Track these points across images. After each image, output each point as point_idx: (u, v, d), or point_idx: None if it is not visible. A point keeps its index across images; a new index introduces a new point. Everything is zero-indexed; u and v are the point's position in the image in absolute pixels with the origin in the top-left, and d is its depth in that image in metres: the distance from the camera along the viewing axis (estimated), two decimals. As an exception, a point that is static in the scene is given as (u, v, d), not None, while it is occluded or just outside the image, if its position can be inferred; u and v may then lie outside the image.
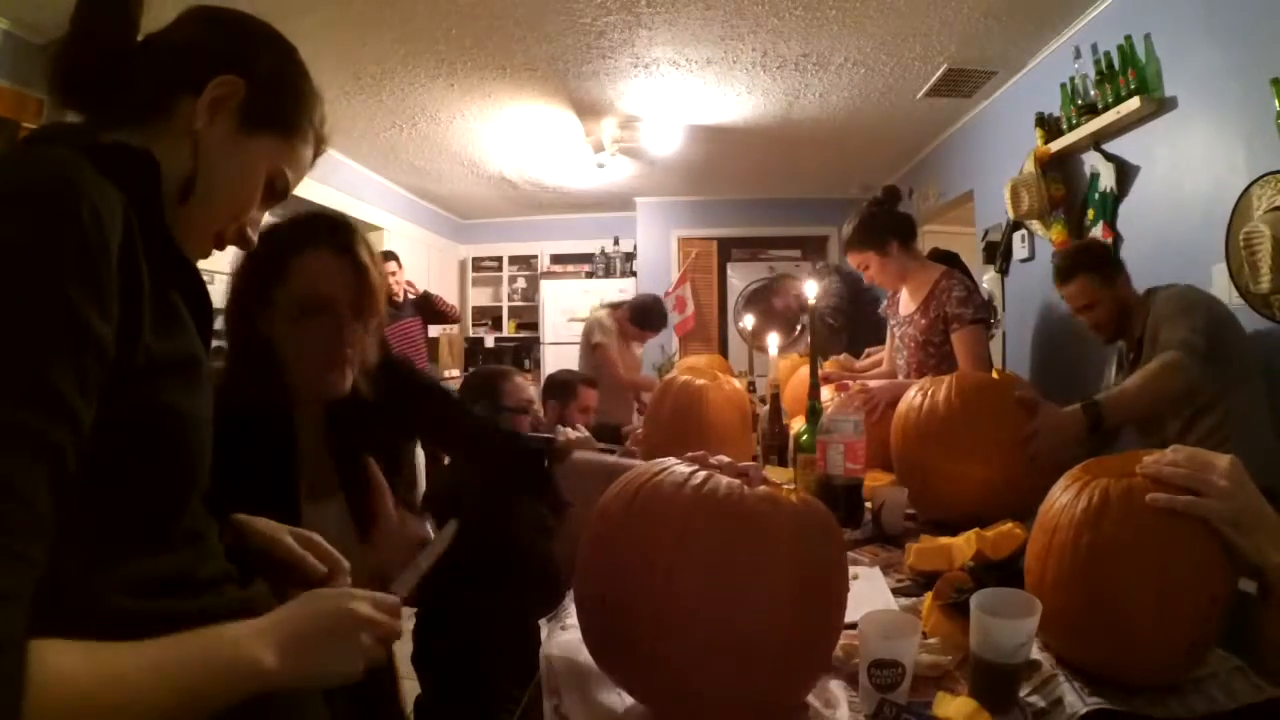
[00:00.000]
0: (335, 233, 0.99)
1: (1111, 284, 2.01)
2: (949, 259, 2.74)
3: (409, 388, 1.10)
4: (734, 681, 0.66)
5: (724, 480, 0.72)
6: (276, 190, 0.71)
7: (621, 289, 6.34)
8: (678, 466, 0.76)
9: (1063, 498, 0.83)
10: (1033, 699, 0.75)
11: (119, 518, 0.54)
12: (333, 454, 1.02)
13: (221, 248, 0.70)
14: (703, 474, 0.73)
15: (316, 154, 0.76)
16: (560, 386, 2.56)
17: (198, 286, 0.64)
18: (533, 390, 1.91)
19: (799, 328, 4.38)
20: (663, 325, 3.73)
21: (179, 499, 0.60)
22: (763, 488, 0.75)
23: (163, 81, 0.64)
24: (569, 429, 1.68)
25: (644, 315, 3.59)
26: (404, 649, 1.33)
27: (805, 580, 0.68)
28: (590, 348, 3.47)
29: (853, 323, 3.49)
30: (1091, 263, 2.03)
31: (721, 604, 0.65)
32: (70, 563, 0.48)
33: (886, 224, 2.13)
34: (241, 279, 0.98)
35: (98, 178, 0.52)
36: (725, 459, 0.89)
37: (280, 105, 0.70)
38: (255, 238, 0.71)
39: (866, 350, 2.74)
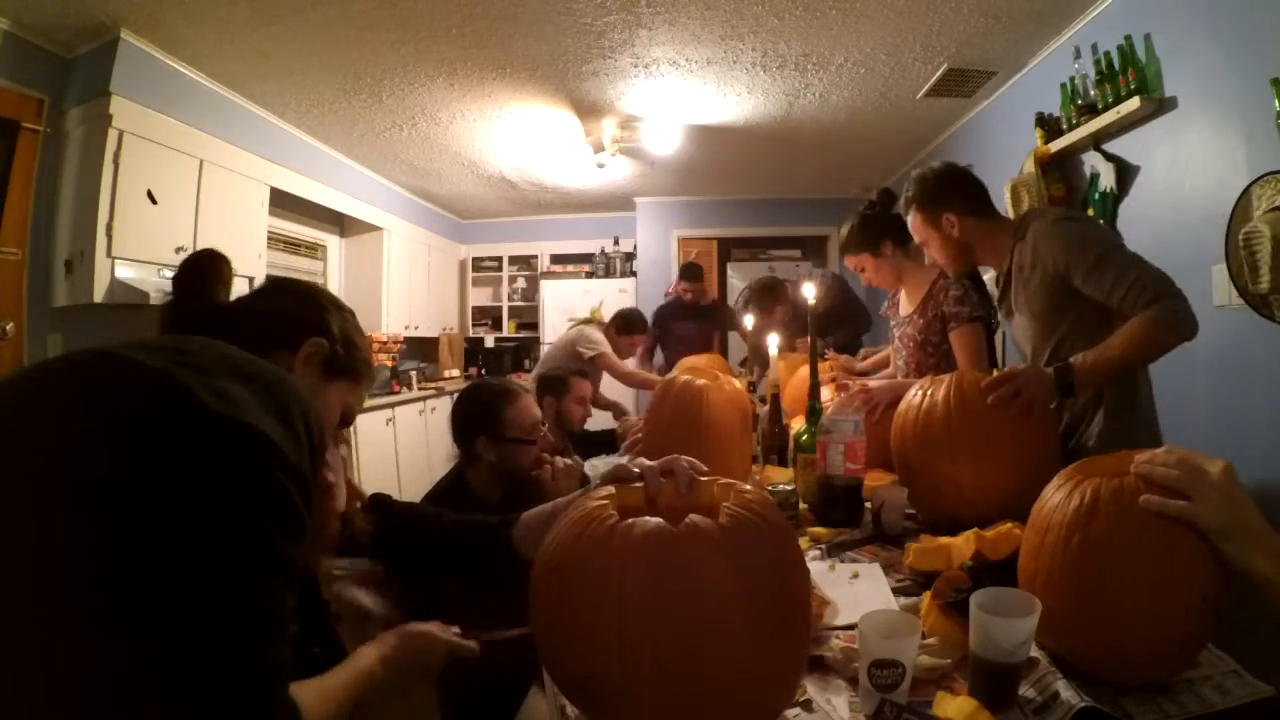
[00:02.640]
0: None
1: (936, 224, 1.68)
2: None
3: (394, 519, 1.21)
4: (714, 714, 0.65)
5: (649, 522, 0.68)
6: (345, 421, 0.91)
7: (622, 289, 6.35)
8: (598, 512, 0.72)
9: (1055, 497, 0.83)
10: (1029, 693, 0.76)
11: None
12: None
13: None
14: (626, 521, 0.69)
15: (369, 387, 0.97)
16: (554, 382, 2.58)
17: None
18: (536, 408, 1.84)
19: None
20: (646, 330, 3.79)
21: None
22: (694, 517, 0.69)
23: (264, 338, 0.81)
24: (558, 459, 1.67)
25: (627, 322, 3.66)
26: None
27: (755, 595, 0.65)
28: (585, 361, 3.46)
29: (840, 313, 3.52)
30: (918, 197, 1.73)
31: (676, 655, 0.62)
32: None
33: (880, 226, 2.15)
34: None
35: None
36: (645, 462, 0.84)
37: (350, 359, 0.89)
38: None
39: (863, 351, 2.74)
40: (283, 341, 0.83)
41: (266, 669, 0.56)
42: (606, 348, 3.50)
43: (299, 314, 0.87)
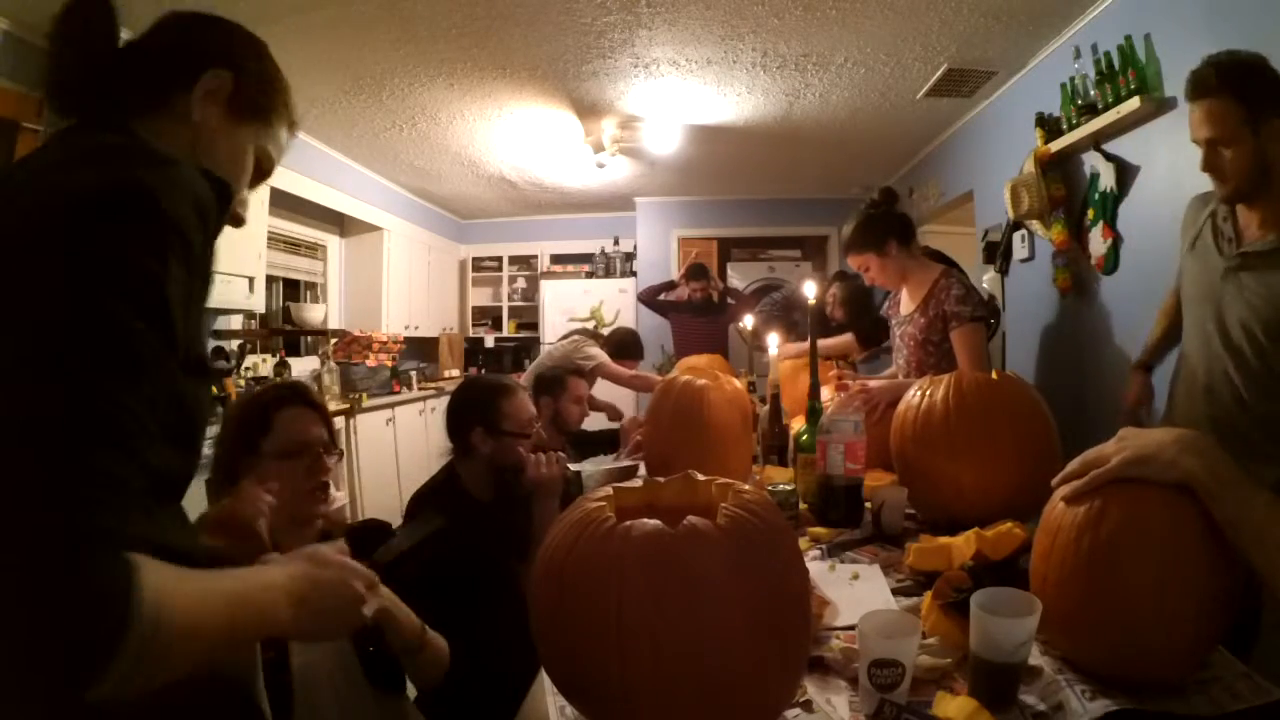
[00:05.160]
0: (305, 393, 1.23)
1: (1257, 127, 1.42)
2: (939, 259, 2.74)
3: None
4: (714, 714, 0.65)
5: (647, 524, 0.68)
6: (263, 170, 0.82)
7: (622, 289, 6.35)
8: (596, 514, 0.72)
9: (1065, 500, 0.83)
10: (1034, 702, 0.75)
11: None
12: None
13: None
14: (625, 523, 0.69)
15: (291, 134, 0.86)
16: (550, 382, 2.57)
17: None
18: (531, 405, 1.83)
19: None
20: (641, 356, 3.70)
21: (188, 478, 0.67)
22: (692, 518, 0.68)
23: (157, 82, 0.71)
24: (546, 456, 1.67)
25: (625, 348, 3.55)
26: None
27: (754, 596, 0.65)
28: (585, 374, 3.43)
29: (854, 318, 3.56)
30: (1240, 85, 1.43)
31: (676, 656, 0.62)
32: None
33: (885, 225, 2.14)
34: (229, 433, 1.17)
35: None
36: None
37: (262, 95, 0.78)
38: (245, 217, 0.80)
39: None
40: (177, 82, 0.72)
41: (91, 472, 0.46)
42: (604, 358, 3.44)
43: (195, 46, 0.75)
